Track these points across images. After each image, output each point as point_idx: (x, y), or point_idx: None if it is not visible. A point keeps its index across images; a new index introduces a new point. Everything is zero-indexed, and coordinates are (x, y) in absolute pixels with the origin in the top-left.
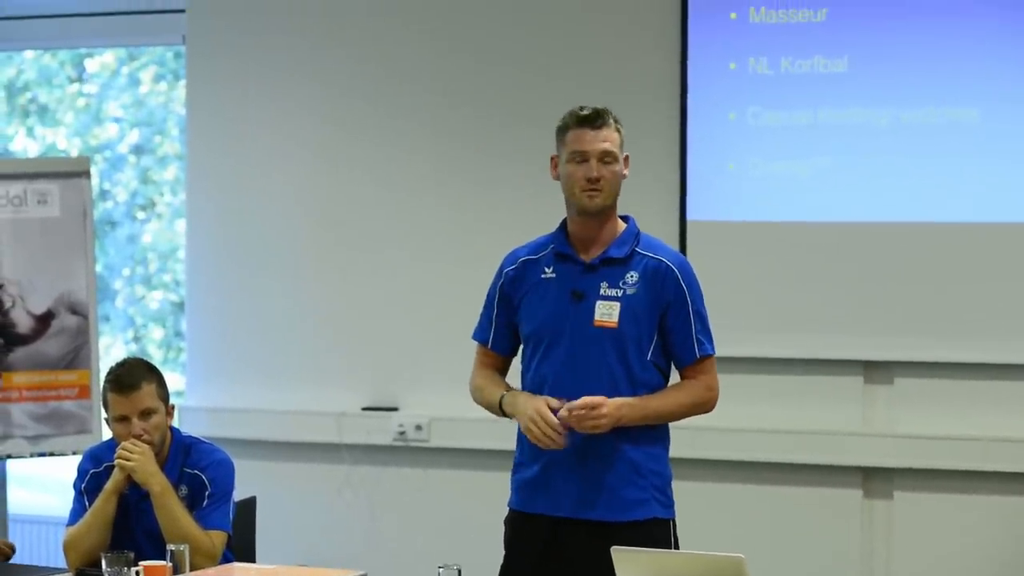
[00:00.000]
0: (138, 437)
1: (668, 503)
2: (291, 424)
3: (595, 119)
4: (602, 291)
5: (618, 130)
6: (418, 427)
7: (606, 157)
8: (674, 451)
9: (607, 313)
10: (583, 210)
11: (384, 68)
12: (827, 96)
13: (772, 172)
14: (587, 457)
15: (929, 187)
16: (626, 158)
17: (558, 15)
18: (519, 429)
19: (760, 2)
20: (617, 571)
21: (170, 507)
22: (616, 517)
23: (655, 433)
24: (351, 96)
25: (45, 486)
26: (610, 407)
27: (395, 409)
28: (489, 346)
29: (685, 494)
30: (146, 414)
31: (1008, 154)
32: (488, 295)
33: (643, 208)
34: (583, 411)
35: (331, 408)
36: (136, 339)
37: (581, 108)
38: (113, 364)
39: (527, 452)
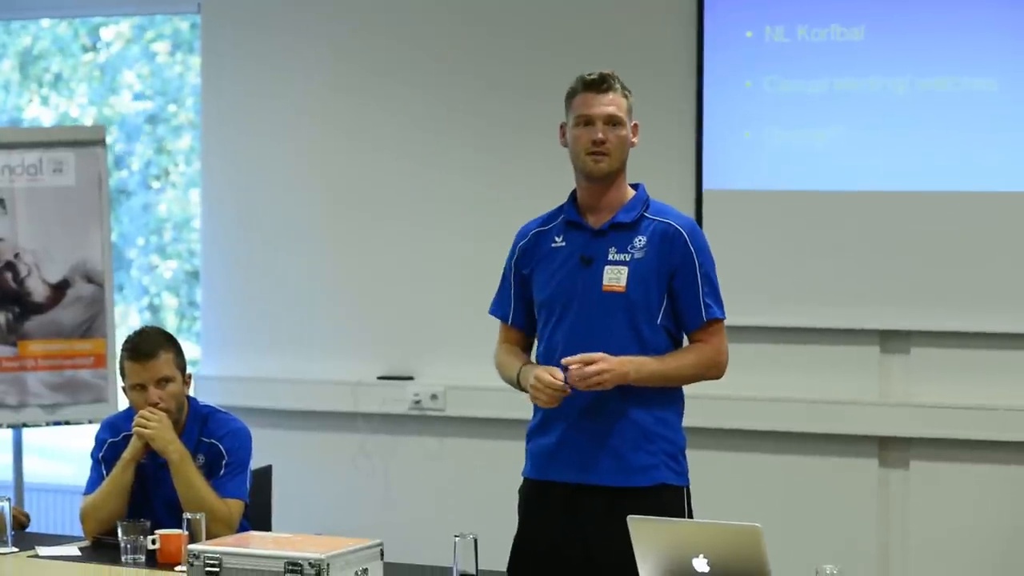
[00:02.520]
0: (154, 405)
1: (680, 470)
2: (307, 393)
3: (601, 83)
4: (610, 256)
5: (625, 96)
6: (433, 396)
7: (611, 120)
8: (689, 420)
9: (615, 278)
10: (589, 174)
11: (400, 39)
12: (844, 65)
13: (788, 141)
14: (597, 422)
15: (946, 156)
16: (635, 126)
17: None
18: None
19: None
20: (633, 540)
21: (188, 475)
22: (625, 482)
23: (665, 398)
24: (366, 65)
25: (61, 455)
26: (612, 363)
27: (410, 378)
28: (509, 322)
29: (701, 463)
30: (163, 382)
31: None
32: (504, 270)
33: (659, 177)
34: (580, 366)
35: (347, 377)
36: (151, 308)
37: (588, 73)
38: (131, 332)
39: (540, 420)
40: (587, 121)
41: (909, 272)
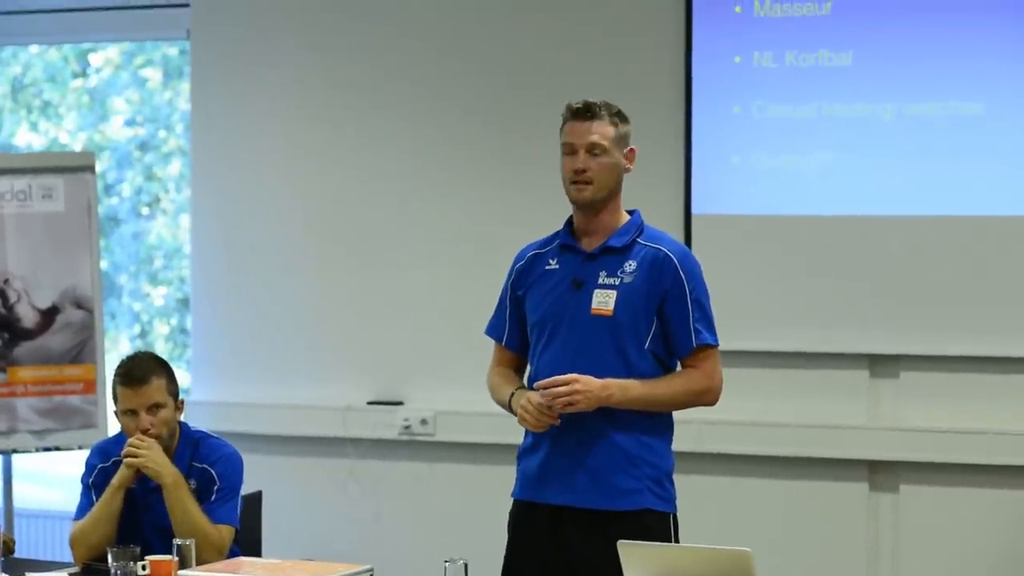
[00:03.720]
0: (145, 431)
1: (665, 496)
2: (296, 418)
3: (584, 112)
4: (601, 280)
5: (615, 124)
6: (423, 421)
7: (594, 149)
8: (679, 445)
9: (603, 301)
10: (573, 202)
11: (390, 69)
12: (832, 90)
13: (777, 166)
14: (582, 445)
15: (934, 181)
16: (631, 151)
17: (563, 13)
18: None
19: None
20: (623, 564)
21: (182, 499)
22: (609, 505)
23: (652, 423)
24: (356, 91)
25: (51, 481)
26: (590, 384)
27: (400, 403)
28: (503, 343)
29: (691, 488)
30: (154, 408)
31: (1013, 148)
32: (501, 292)
33: (648, 202)
34: (551, 388)
35: (336, 403)
36: (142, 335)
37: (576, 102)
38: (123, 357)
39: (530, 442)
40: (571, 150)
41: (898, 296)
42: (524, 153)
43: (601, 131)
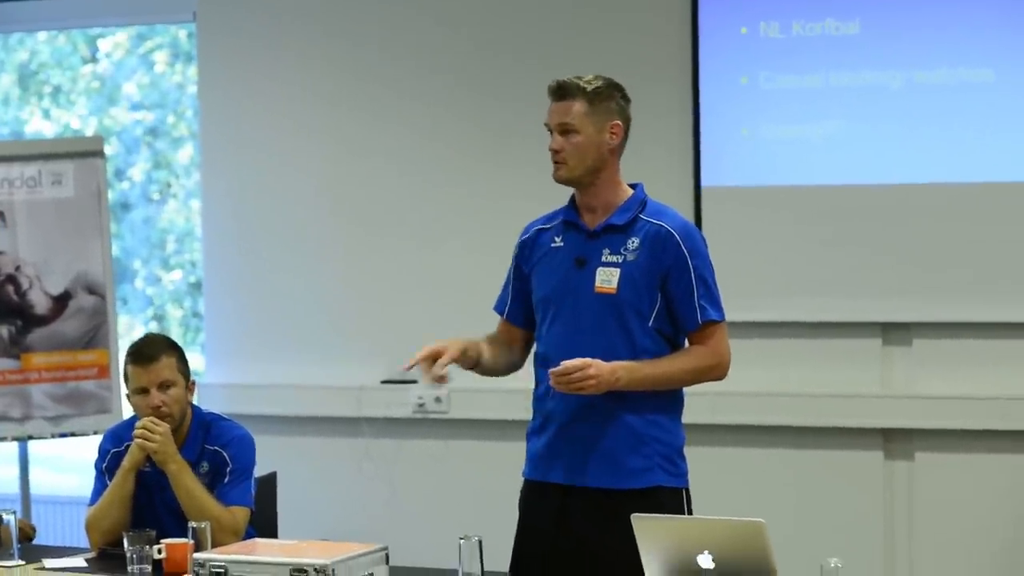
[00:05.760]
0: (157, 408)
1: (676, 472)
2: (311, 399)
3: (556, 92)
4: (604, 258)
5: (591, 100)
6: (437, 399)
7: (564, 128)
8: (691, 416)
9: (607, 279)
10: (555, 181)
11: (397, 49)
12: (839, 59)
13: (785, 136)
14: (590, 425)
15: (944, 148)
16: (615, 125)
17: None
18: (534, 395)
19: None
20: (638, 538)
21: (188, 485)
22: (620, 484)
23: (659, 400)
24: (364, 75)
25: (67, 466)
26: (601, 369)
27: (414, 382)
28: (505, 316)
29: (703, 459)
30: (165, 386)
31: (1022, 113)
32: (509, 267)
33: (657, 175)
34: (563, 375)
35: (350, 382)
36: (156, 319)
37: (553, 81)
38: (134, 340)
39: (538, 422)
40: (549, 130)
41: (909, 264)
42: (534, 130)
43: (571, 109)
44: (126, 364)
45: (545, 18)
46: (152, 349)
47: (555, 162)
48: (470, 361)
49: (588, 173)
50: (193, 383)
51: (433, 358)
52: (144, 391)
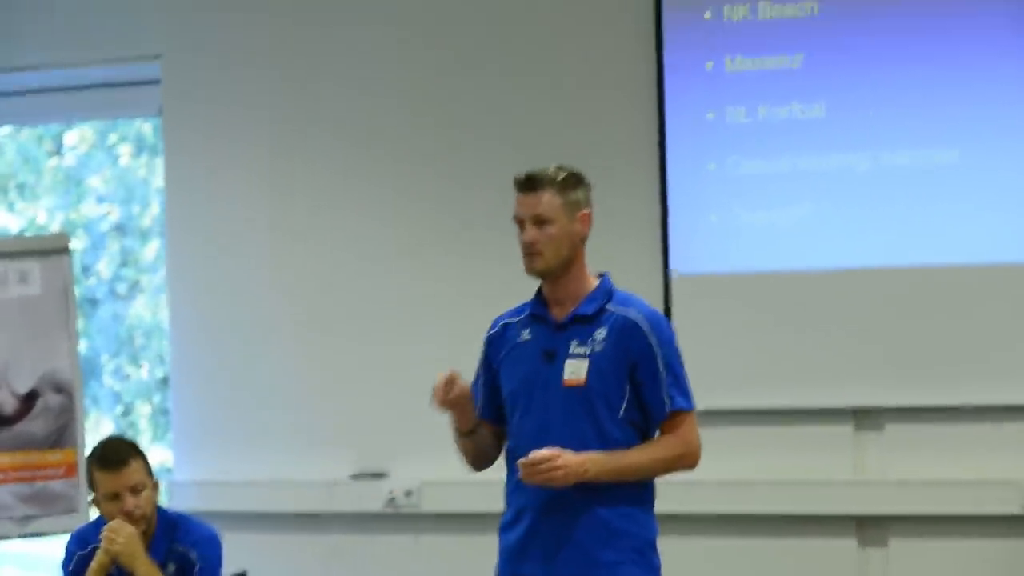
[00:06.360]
0: (129, 513)
1: (648, 565)
2: (280, 495)
3: (526, 184)
4: (572, 349)
5: (561, 192)
6: (408, 493)
7: (538, 220)
8: (663, 506)
9: (575, 372)
10: (528, 273)
11: (362, 138)
12: (805, 142)
13: (754, 222)
14: (563, 517)
15: (912, 231)
16: (584, 215)
17: (534, 75)
18: (506, 489)
19: (735, 50)
20: None
21: None
22: None
23: (631, 493)
24: (330, 165)
25: (37, 563)
26: (569, 460)
27: (384, 475)
28: (478, 414)
29: (676, 549)
30: (136, 490)
31: (990, 194)
32: (479, 364)
33: (626, 264)
34: (531, 466)
35: (320, 477)
36: (125, 415)
37: (520, 174)
38: (95, 445)
39: (511, 515)
40: (519, 223)
41: (880, 348)
42: (505, 221)
43: (545, 201)
44: (92, 470)
45: (513, 105)
46: (120, 454)
47: (529, 254)
48: (471, 418)
49: (562, 264)
50: (157, 483)
51: (450, 383)
52: (116, 496)
